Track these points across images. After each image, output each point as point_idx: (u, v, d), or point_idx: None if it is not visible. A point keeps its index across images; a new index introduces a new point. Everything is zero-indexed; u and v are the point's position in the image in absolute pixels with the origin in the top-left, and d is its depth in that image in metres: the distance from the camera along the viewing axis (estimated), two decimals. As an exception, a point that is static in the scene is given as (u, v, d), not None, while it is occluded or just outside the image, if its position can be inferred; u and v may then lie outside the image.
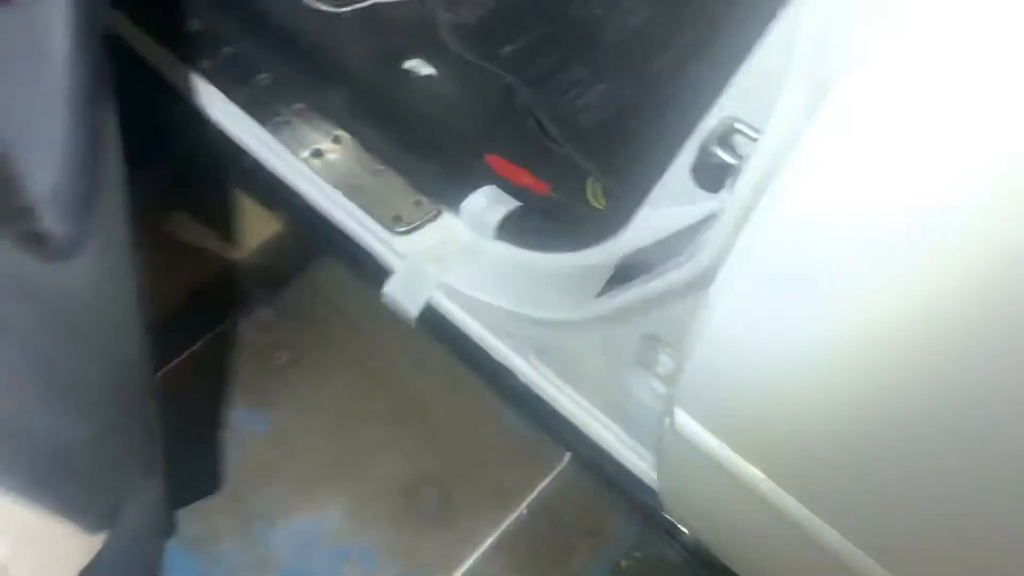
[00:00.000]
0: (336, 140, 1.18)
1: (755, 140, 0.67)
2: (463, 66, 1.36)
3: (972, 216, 0.53)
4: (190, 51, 1.22)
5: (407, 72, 1.36)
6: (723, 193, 0.73)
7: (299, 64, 1.25)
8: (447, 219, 1.11)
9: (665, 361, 0.88)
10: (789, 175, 0.60)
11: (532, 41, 1.38)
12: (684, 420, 0.77)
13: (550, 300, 0.99)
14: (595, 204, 1.23)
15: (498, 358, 1.08)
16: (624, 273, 0.90)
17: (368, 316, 1.40)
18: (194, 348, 1.40)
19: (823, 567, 0.75)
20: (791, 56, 0.63)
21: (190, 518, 1.24)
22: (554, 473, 1.36)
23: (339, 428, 1.37)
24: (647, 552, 1.33)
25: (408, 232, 1.10)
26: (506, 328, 1.06)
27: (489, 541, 1.31)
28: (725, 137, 0.70)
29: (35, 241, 0.62)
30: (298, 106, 1.19)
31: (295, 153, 1.16)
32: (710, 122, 0.72)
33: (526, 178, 1.24)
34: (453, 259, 1.08)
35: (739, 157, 0.69)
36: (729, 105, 0.72)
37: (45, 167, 0.62)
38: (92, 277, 0.70)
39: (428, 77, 1.36)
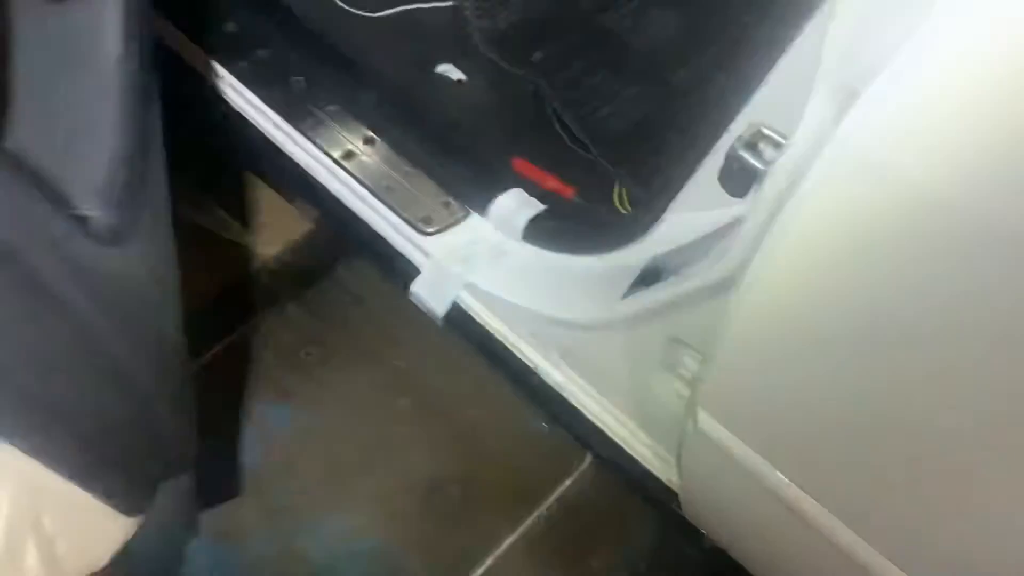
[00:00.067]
0: (368, 142, 1.20)
1: (782, 145, 0.68)
2: (493, 71, 1.37)
3: (985, 213, 0.53)
4: (226, 53, 1.25)
5: (439, 76, 1.38)
6: (749, 198, 0.74)
7: (333, 67, 1.27)
8: (475, 221, 1.13)
9: (689, 363, 0.88)
10: (815, 180, 0.61)
11: (562, 48, 1.39)
12: (707, 422, 0.78)
13: (575, 302, 1.00)
14: (621, 209, 1.24)
15: (523, 358, 1.09)
16: (649, 276, 0.91)
17: (395, 315, 1.41)
18: (223, 343, 1.41)
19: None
20: (819, 64, 0.63)
21: (215, 510, 1.26)
22: (576, 474, 1.36)
23: (364, 424, 1.38)
24: (667, 554, 1.33)
25: (437, 233, 1.12)
26: (531, 328, 1.07)
27: (510, 540, 1.32)
28: (753, 142, 0.70)
29: (89, 228, 0.65)
30: (331, 108, 1.21)
31: (328, 153, 1.18)
32: (738, 127, 0.73)
33: (552, 182, 1.25)
34: (480, 260, 1.10)
35: (766, 163, 0.69)
36: (757, 112, 0.72)
37: (98, 158, 0.65)
38: (140, 264, 0.73)
39: (459, 82, 1.38)
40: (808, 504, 0.73)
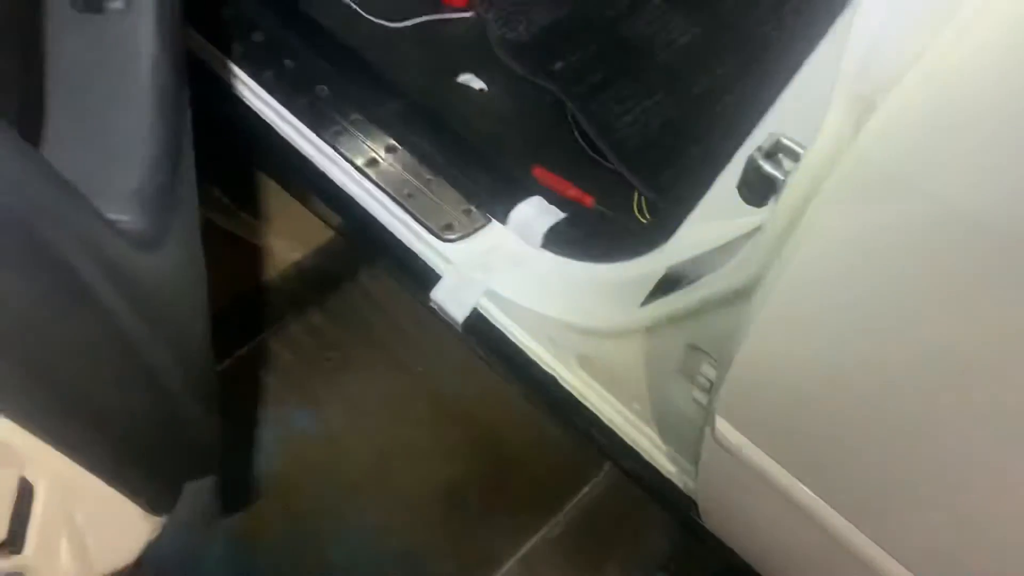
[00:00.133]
0: (391, 150, 1.21)
1: (800, 155, 0.68)
2: (514, 81, 1.39)
3: (1004, 224, 0.53)
4: (253, 62, 1.27)
5: (460, 86, 1.40)
6: (767, 207, 0.75)
7: (356, 77, 1.29)
8: (496, 228, 1.14)
9: (707, 371, 0.88)
10: (832, 190, 0.61)
11: (582, 58, 1.40)
12: (725, 429, 0.77)
13: (594, 309, 1.01)
14: (640, 218, 1.25)
15: (541, 364, 1.10)
16: (668, 284, 0.92)
17: (415, 321, 1.43)
18: (247, 347, 1.43)
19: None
20: (838, 74, 0.64)
21: (237, 513, 1.27)
22: (594, 481, 1.37)
23: (384, 429, 1.39)
24: (684, 562, 1.33)
25: (458, 240, 1.13)
26: (550, 335, 1.08)
27: (528, 546, 1.32)
28: (772, 152, 0.71)
29: (123, 233, 0.67)
30: (355, 117, 1.23)
31: (351, 161, 1.19)
32: (757, 137, 0.74)
33: (572, 190, 1.27)
34: (500, 267, 1.11)
35: (785, 172, 0.70)
36: (776, 122, 0.73)
37: (132, 165, 0.67)
38: (171, 268, 0.75)
39: (480, 91, 1.39)
40: (827, 513, 0.73)
